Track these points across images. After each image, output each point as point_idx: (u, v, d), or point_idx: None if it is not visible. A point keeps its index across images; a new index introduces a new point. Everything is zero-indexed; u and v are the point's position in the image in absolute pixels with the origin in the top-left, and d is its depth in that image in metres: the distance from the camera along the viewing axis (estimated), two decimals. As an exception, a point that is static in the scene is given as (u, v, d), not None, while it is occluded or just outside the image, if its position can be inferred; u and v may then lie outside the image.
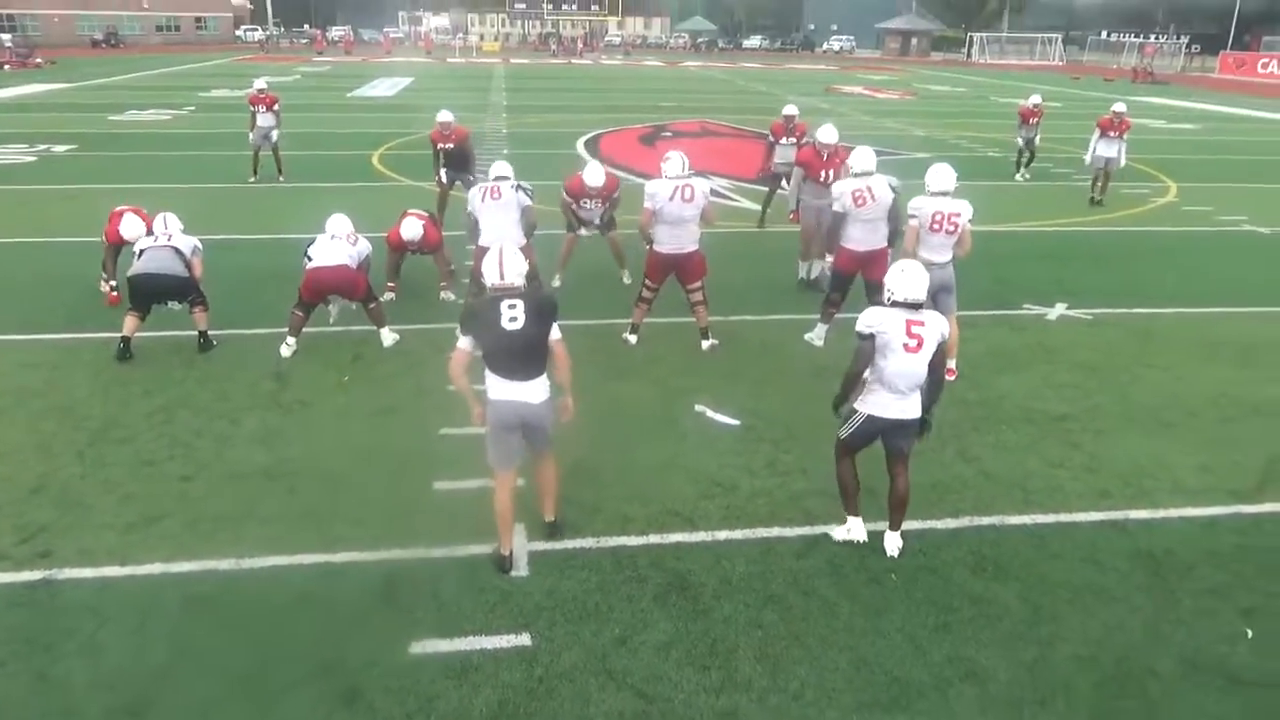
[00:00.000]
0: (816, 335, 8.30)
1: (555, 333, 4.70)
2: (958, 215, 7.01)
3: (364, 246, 8.00)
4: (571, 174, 9.46)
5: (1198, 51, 63.89)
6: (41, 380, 7.13)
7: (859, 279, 7.96)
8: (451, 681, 4.03)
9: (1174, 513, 5.53)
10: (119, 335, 7.54)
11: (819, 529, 5.28)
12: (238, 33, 77.78)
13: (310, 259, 7.69)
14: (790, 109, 12.29)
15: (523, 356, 4.63)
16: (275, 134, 15.18)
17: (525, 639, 4.32)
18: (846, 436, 5.02)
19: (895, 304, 4.84)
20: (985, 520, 5.40)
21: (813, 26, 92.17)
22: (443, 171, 11.66)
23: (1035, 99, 16.61)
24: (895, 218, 7.88)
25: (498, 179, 8.21)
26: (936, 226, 7.03)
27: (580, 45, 74.26)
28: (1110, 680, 4.16)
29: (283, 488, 5.62)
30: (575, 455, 5.90)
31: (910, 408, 4.87)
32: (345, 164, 17.38)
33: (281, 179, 15.25)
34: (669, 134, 22.37)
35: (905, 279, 4.86)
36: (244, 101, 15.65)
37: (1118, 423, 6.77)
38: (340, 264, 7.63)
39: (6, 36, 51.34)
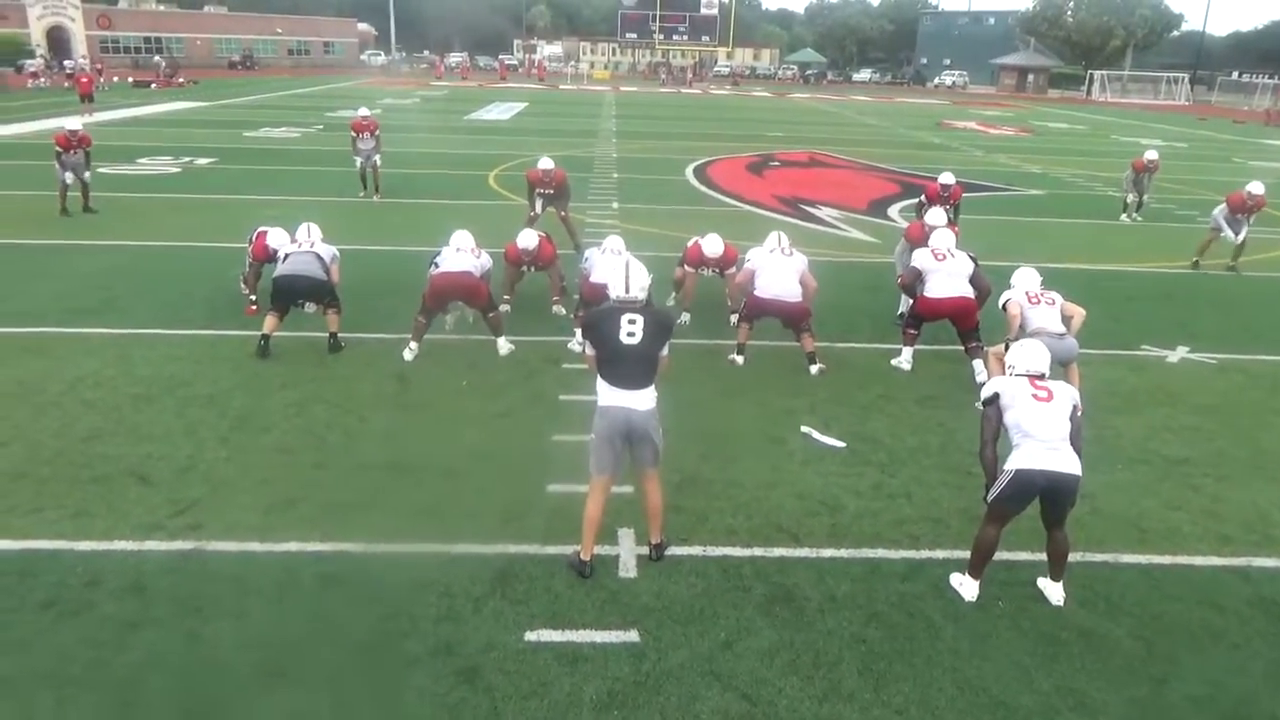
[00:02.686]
0: (904, 360, 8.40)
1: (665, 350, 4.92)
2: (1051, 291, 7.40)
3: (486, 260, 8.37)
4: (691, 243, 9.23)
5: (1339, 94, 60.65)
6: (188, 371, 7.69)
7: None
8: (564, 669, 4.22)
9: (1301, 562, 5.34)
10: (259, 333, 8.07)
11: (924, 554, 5.30)
12: (362, 57, 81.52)
13: (437, 266, 8.11)
14: (946, 178, 11.79)
15: (635, 368, 4.82)
16: (377, 157, 15.89)
17: (634, 635, 4.48)
18: (994, 498, 4.75)
19: (1017, 376, 4.92)
20: (1098, 557, 5.31)
21: (925, 61, 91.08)
22: (538, 204, 12.09)
23: (1151, 155, 16.20)
24: (979, 283, 8.17)
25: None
26: (1034, 300, 7.29)
27: (689, 75, 75.23)
28: (1228, 723, 4.07)
29: (407, 481, 5.94)
30: (684, 468, 6.09)
31: (1066, 461, 4.61)
32: (463, 183, 18.08)
33: (378, 198, 15.86)
34: (776, 163, 22.50)
35: (1025, 352, 4.96)
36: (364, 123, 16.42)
37: (1243, 469, 6.56)
38: (465, 270, 8.02)
39: (159, 58, 55.06)
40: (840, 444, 6.68)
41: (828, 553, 5.27)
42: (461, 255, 8.15)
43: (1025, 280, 7.49)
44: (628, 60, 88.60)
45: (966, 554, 5.02)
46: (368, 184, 16.01)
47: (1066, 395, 4.82)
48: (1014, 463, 4.70)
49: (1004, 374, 5.07)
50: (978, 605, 4.83)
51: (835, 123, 37.90)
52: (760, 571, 5.08)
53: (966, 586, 4.94)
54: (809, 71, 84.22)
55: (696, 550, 5.24)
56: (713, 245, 8.95)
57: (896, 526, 5.59)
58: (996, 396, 4.86)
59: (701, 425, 6.90)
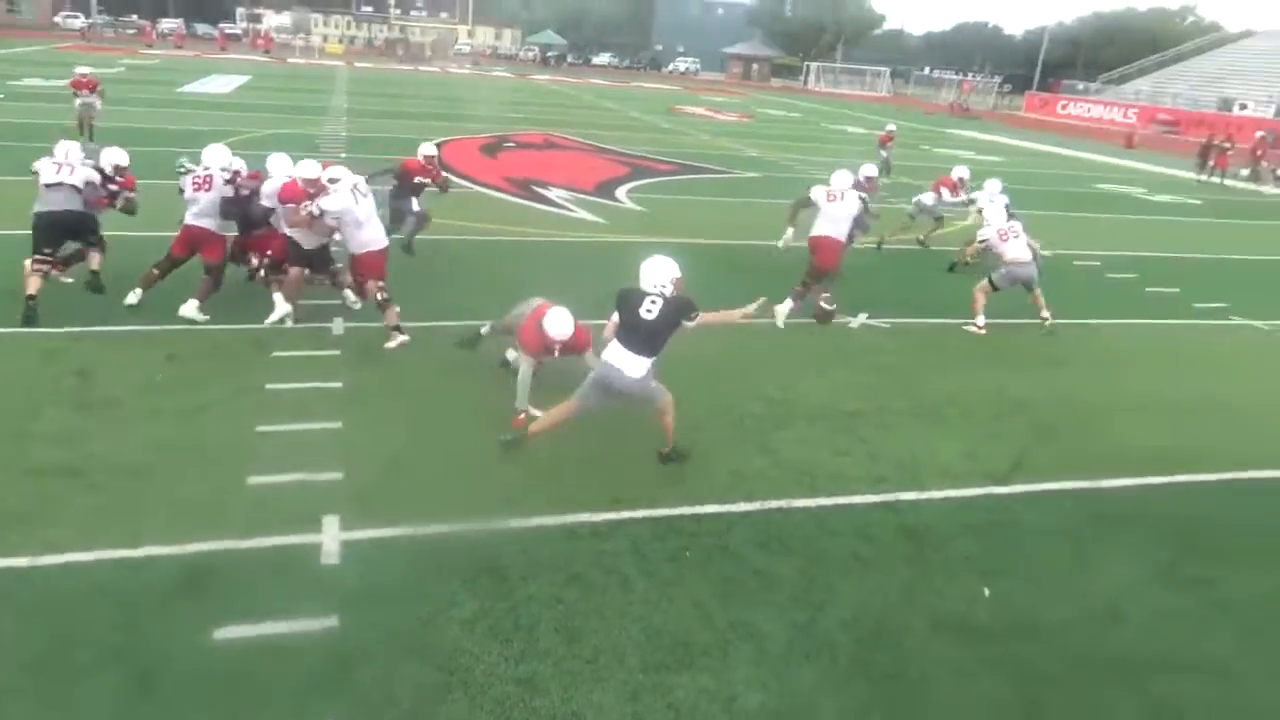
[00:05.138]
0: (783, 308, 9.61)
1: (688, 323, 5.90)
2: (1016, 224, 10.25)
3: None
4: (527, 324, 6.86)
5: (1009, 91, 69.56)
6: None
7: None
8: (255, 663, 4.12)
9: (938, 494, 6.21)
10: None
11: (624, 514, 5.64)
12: (56, 19, 72.22)
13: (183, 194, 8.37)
14: (869, 169, 13.00)
15: (642, 339, 5.83)
16: (94, 110, 17.57)
17: (333, 621, 4.45)
18: None
19: None
20: (775, 503, 5.90)
21: (660, 47, 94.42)
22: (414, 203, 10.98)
23: (890, 126, 20.63)
24: (860, 224, 10.53)
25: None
26: (1005, 236, 9.99)
27: (428, 52, 73.35)
28: (869, 637, 4.69)
29: (83, 484, 5.49)
30: (390, 450, 6.10)
31: None
32: (173, 161, 16.62)
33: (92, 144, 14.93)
34: (512, 145, 22.56)
35: None
36: (64, 90, 16.30)
37: (901, 418, 7.49)
38: (203, 227, 8.30)
39: None
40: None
41: (534, 521, 5.47)
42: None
43: (995, 212, 10.43)
44: (363, 35, 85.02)
45: (663, 512, 5.47)
46: (84, 130, 17.06)
47: None
48: None
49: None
50: (668, 557, 5.22)
51: (573, 105, 38.49)
52: (467, 545, 5.19)
53: None
54: (550, 53, 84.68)
55: (404, 530, 5.26)
56: (560, 324, 6.46)
57: (601, 489, 5.89)
58: None
59: (410, 406, 6.90)
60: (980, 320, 10.02)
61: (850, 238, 10.42)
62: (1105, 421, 7.77)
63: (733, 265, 11.84)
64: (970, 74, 71.44)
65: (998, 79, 70.56)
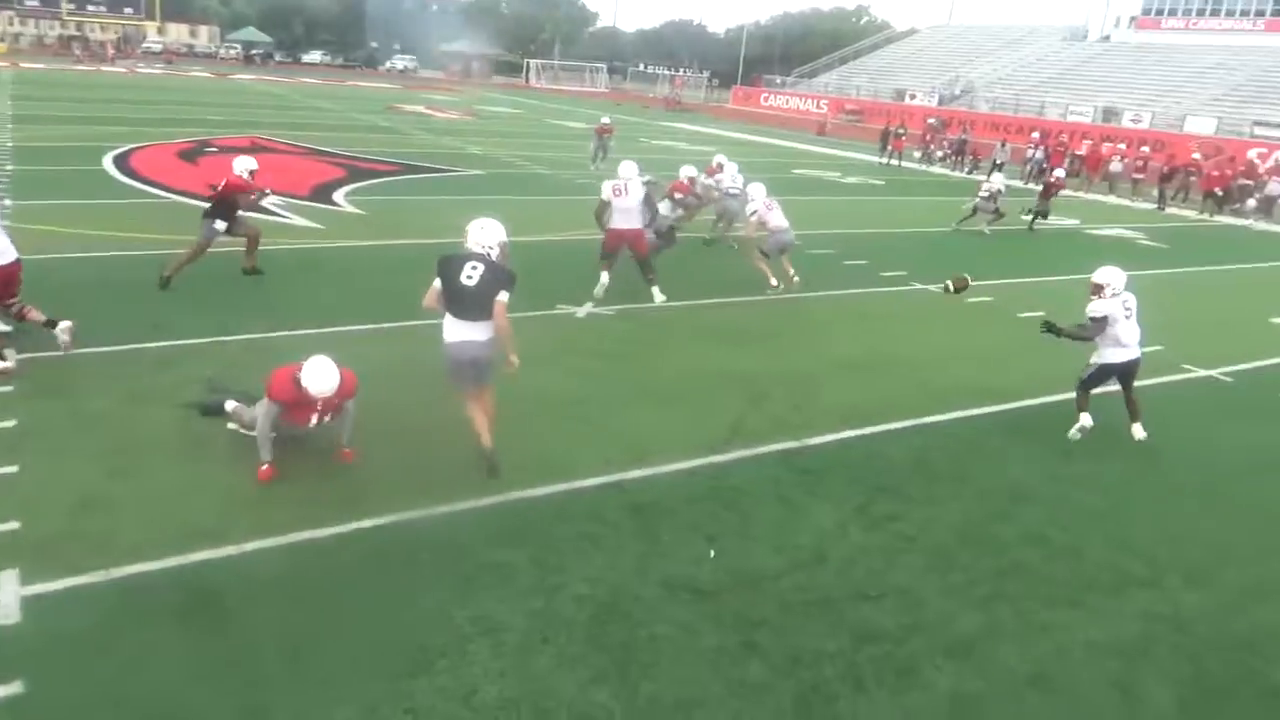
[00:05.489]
0: (599, 289, 10.53)
1: (503, 296, 5.81)
2: (773, 200, 11.72)
3: None
4: (278, 375, 5.91)
5: (716, 85, 73.96)
6: None
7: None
8: (-85, 749, 3.60)
9: (663, 468, 6.53)
10: None
11: (352, 526, 5.45)
12: None
13: None
14: (688, 170, 13.56)
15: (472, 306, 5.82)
16: None
17: (16, 688, 3.97)
18: (1087, 378, 7.46)
19: (1114, 295, 7.23)
20: (507, 496, 5.95)
21: (375, 45, 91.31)
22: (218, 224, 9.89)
23: (605, 119, 22.47)
24: (650, 205, 10.81)
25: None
26: (770, 207, 11.51)
27: (111, 51, 66.40)
28: (604, 611, 4.86)
29: None
30: (83, 487, 5.53)
31: (1136, 353, 7.39)
32: None
33: None
34: (214, 150, 20.95)
35: (1117, 275, 7.29)
36: None
37: (626, 400, 7.81)
38: None
39: None
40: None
41: (249, 545, 5.15)
42: None
43: (757, 191, 11.75)
44: (31, 32, 75.34)
45: (394, 517, 5.38)
46: None
47: (1133, 305, 7.37)
48: (1100, 358, 7.43)
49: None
50: (403, 562, 5.12)
51: (282, 106, 36.36)
52: (177, 581, 4.81)
53: (1084, 420, 7.38)
54: (254, 52, 79.38)
55: (98, 576, 4.77)
56: (321, 377, 5.70)
57: (323, 505, 5.63)
58: (1106, 318, 7.15)
59: (98, 440, 6.27)
60: (773, 280, 11.55)
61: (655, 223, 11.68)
62: (810, 385, 8.53)
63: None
64: (681, 70, 75.17)
65: (706, 74, 74.81)
